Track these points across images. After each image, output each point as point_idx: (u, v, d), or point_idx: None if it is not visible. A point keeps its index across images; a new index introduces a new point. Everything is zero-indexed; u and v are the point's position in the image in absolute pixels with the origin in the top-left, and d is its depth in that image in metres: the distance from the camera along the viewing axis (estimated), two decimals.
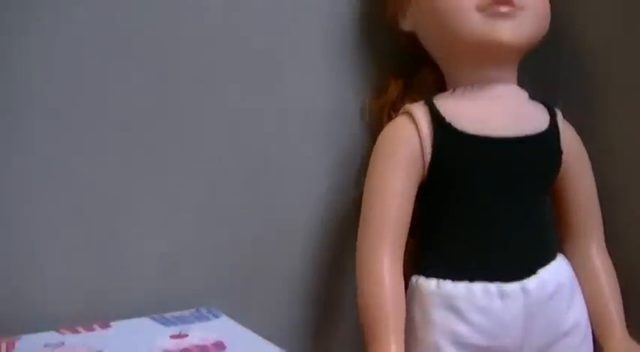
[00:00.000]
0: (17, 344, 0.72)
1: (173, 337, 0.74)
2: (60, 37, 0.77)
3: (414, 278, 0.81)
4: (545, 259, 0.81)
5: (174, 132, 0.83)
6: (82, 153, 0.79)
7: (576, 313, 0.82)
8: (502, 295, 0.78)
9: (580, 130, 0.86)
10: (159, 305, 0.82)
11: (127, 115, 0.81)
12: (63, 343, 0.73)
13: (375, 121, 0.88)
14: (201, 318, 0.78)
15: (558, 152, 0.83)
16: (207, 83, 0.84)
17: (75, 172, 0.79)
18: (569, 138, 0.84)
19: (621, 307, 0.84)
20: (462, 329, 0.78)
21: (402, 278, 0.79)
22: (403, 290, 0.79)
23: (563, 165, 0.83)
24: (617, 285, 0.85)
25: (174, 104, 0.82)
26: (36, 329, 0.76)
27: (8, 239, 0.78)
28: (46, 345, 0.72)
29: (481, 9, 0.79)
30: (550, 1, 0.83)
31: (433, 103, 0.81)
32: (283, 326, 0.87)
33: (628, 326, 0.84)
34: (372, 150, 0.82)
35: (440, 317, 0.78)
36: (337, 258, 0.89)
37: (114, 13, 0.79)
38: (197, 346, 0.72)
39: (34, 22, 0.76)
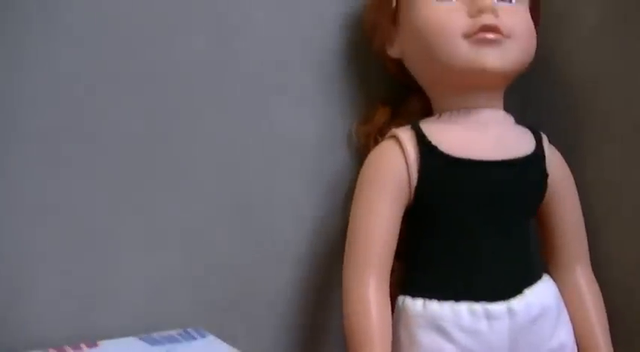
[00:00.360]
0: None
1: None
2: (49, 61, 0.78)
3: (400, 299, 0.81)
4: (531, 280, 0.81)
5: (162, 156, 0.83)
6: (70, 176, 0.80)
7: (562, 334, 0.82)
8: (488, 315, 0.78)
9: (564, 157, 0.86)
10: (147, 328, 0.82)
11: (115, 141, 0.81)
12: None
13: (363, 147, 0.89)
14: (188, 338, 0.78)
15: (544, 175, 0.83)
16: (195, 109, 0.84)
17: (63, 195, 0.79)
18: (555, 162, 0.85)
19: (607, 330, 0.84)
20: (448, 349, 0.78)
21: (389, 300, 0.79)
22: (390, 312, 0.79)
23: (549, 189, 0.84)
24: (604, 309, 0.85)
25: (162, 129, 0.83)
26: (23, 350, 0.76)
27: None
28: None
29: (467, 36, 0.80)
30: (536, 31, 0.85)
31: (419, 127, 0.82)
32: (270, 349, 0.87)
33: (615, 350, 0.84)
34: (358, 177, 0.83)
35: (426, 338, 0.78)
36: (324, 282, 0.89)
37: (103, 37, 0.80)
38: None
39: (20, 47, 0.78)
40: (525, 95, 0.91)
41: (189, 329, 0.80)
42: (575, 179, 0.86)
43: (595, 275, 0.86)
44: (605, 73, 0.88)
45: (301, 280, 0.89)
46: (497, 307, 0.78)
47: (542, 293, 0.81)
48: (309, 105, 0.89)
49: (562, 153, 0.86)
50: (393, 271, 0.81)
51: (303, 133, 0.88)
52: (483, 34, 0.80)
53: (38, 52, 0.78)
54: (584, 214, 0.86)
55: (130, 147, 0.82)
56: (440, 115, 0.84)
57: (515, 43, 0.81)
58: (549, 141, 0.85)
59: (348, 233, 0.81)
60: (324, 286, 0.89)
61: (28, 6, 0.77)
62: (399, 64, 0.87)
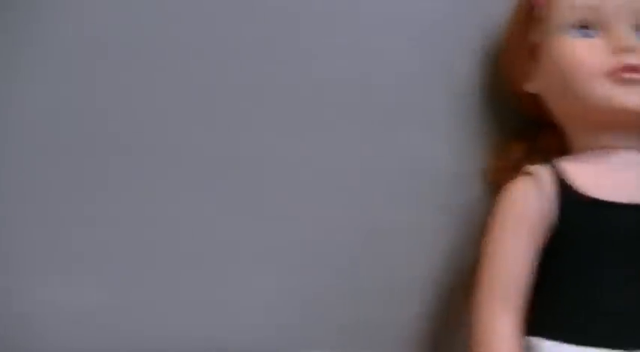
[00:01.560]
0: None
1: None
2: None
3: (527, 340, 0.80)
4: None
5: (293, 178, 0.85)
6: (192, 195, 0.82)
7: None
8: None
9: None
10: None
11: (252, 161, 0.83)
12: None
13: (496, 182, 0.88)
14: None
15: None
16: (328, 133, 0.85)
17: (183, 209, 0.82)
18: None
19: None
20: None
21: (520, 338, 0.78)
22: (520, 350, 0.78)
23: None
24: None
25: (288, 153, 0.85)
26: None
27: None
28: None
29: (609, 74, 0.79)
30: None
31: (557, 166, 0.81)
32: None
33: None
34: (491, 212, 0.83)
35: None
36: (450, 317, 0.89)
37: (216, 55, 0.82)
38: None
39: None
40: None
41: None
42: None
43: None
44: None
45: (428, 313, 0.88)
46: None
47: None
48: (443, 138, 0.89)
49: None
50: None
51: (437, 165, 0.88)
52: (626, 73, 0.78)
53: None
54: None
55: (260, 166, 0.83)
56: (578, 154, 0.83)
57: None
58: None
59: (482, 268, 0.80)
60: (450, 322, 0.89)
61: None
62: (535, 99, 0.86)
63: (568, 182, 0.79)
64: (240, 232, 0.83)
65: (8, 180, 0.79)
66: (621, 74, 0.78)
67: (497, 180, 0.88)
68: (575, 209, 0.78)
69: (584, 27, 0.82)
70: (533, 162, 0.84)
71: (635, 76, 0.78)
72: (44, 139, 0.79)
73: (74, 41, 0.79)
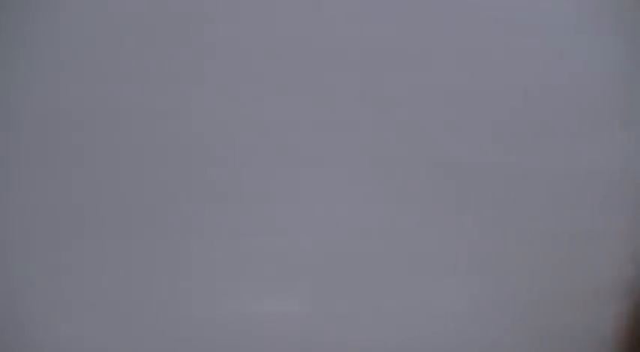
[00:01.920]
0: None
1: None
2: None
3: None
4: None
5: (474, 188, 0.83)
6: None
7: None
8: None
9: None
10: None
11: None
12: None
13: None
14: None
15: None
16: (518, 136, 0.83)
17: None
18: None
19: None
20: None
21: None
22: None
23: None
24: None
25: (475, 158, 0.83)
26: None
27: None
28: None
29: None
30: None
31: None
32: None
33: None
34: None
35: None
36: None
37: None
38: None
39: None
40: None
41: None
42: None
43: None
44: None
45: (625, 318, 0.87)
46: None
47: None
48: (637, 139, 0.86)
49: None
50: None
51: (629, 167, 0.86)
52: None
53: None
54: None
55: (454, 175, 0.81)
56: None
57: None
58: None
59: None
60: None
61: None
62: None
63: None
64: (428, 237, 0.82)
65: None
66: None
67: None
68: None
69: None
70: None
71: None
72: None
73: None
